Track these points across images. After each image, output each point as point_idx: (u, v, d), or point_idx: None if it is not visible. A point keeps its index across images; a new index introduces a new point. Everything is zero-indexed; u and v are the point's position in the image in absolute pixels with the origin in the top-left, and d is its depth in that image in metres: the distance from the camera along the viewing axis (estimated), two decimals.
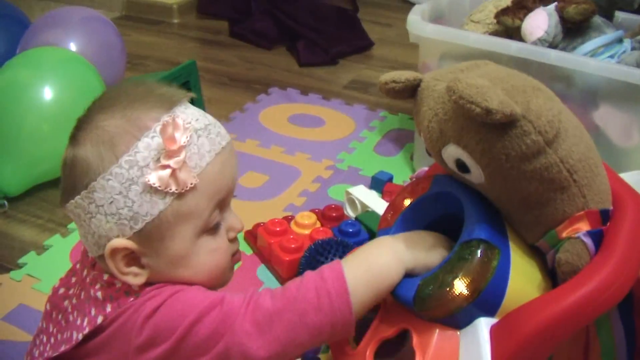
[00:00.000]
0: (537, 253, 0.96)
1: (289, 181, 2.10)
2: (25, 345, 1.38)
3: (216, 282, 1.05)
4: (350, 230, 1.70)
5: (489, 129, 0.86)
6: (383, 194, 1.89)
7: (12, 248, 1.86)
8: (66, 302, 1.07)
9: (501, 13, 1.93)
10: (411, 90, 0.98)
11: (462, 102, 0.84)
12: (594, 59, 1.77)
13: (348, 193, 1.87)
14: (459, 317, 0.91)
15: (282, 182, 2.10)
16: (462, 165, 0.92)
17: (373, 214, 1.76)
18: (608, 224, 0.93)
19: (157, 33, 3.23)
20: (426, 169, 1.12)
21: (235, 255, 1.08)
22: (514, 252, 0.92)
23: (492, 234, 0.91)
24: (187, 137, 0.93)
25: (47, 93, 1.95)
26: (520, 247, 0.94)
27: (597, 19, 1.84)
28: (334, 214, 1.82)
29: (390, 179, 1.92)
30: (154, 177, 0.92)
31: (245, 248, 1.81)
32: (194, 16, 3.39)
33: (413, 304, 0.92)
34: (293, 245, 1.67)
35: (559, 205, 0.91)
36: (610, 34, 1.83)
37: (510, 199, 0.92)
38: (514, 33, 1.90)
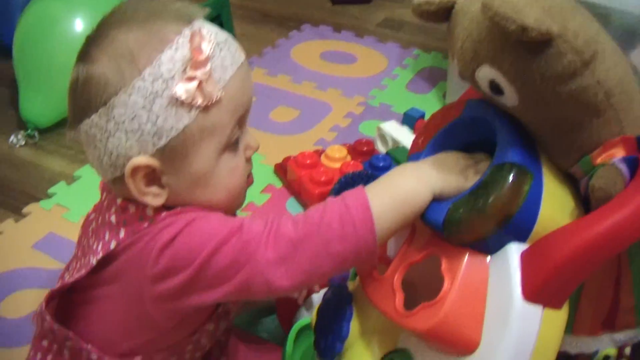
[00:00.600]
0: (570, 180, 0.94)
1: (320, 116, 2.09)
2: (54, 272, 1.40)
3: (233, 204, 1.05)
4: (381, 164, 1.69)
5: (524, 48, 0.83)
6: (414, 130, 1.87)
7: (42, 178, 1.87)
8: (90, 227, 1.07)
9: None
10: (445, 12, 0.96)
11: (497, 19, 0.81)
12: None
13: (379, 129, 1.85)
14: (489, 242, 0.90)
15: (313, 117, 2.09)
16: (495, 87, 0.90)
17: (404, 149, 1.74)
18: None
19: None
20: None
21: (249, 178, 1.07)
22: (546, 177, 0.91)
23: (525, 157, 0.89)
24: (211, 49, 0.92)
25: (78, 25, 1.94)
26: (553, 173, 0.92)
27: None
28: (364, 148, 1.80)
29: (422, 116, 1.90)
30: (180, 89, 0.90)
31: (275, 181, 1.80)
32: None
33: (442, 228, 0.90)
34: (323, 178, 1.66)
35: (594, 130, 0.89)
36: None
37: (544, 122, 0.90)
38: None
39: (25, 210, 1.75)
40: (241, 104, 0.99)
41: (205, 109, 0.93)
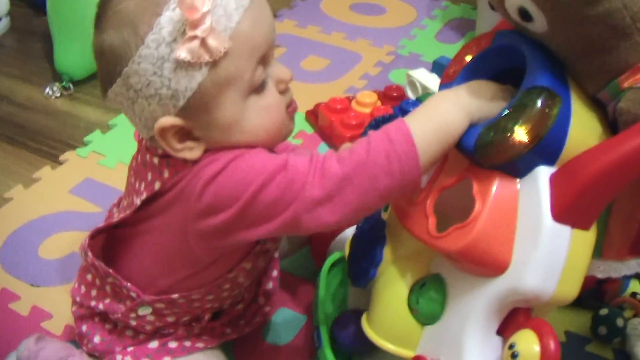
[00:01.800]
0: (597, 105, 0.96)
1: (350, 65, 2.11)
2: (91, 215, 1.43)
3: (277, 139, 1.04)
4: (411, 109, 1.67)
5: None
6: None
7: (77, 127, 1.91)
8: (131, 165, 1.09)
9: None
10: None
11: None
12: None
13: (409, 75, 1.86)
14: (518, 165, 0.91)
15: (343, 66, 2.10)
16: (525, 13, 0.91)
17: None
18: None
19: None
20: None
21: (291, 106, 1.05)
22: (575, 101, 0.92)
23: (554, 82, 0.91)
24: (209, 1, 0.89)
25: None
26: (581, 97, 0.94)
27: None
28: (394, 94, 1.82)
29: None
30: (183, 51, 0.89)
31: (306, 127, 1.83)
32: None
33: (474, 151, 0.92)
34: (354, 122, 1.68)
35: (622, 53, 0.89)
36: None
37: (572, 46, 0.91)
38: None
39: (62, 157, 1.78)
40: (258, 45, 0.96)
41: (216, 62, 0.92)
